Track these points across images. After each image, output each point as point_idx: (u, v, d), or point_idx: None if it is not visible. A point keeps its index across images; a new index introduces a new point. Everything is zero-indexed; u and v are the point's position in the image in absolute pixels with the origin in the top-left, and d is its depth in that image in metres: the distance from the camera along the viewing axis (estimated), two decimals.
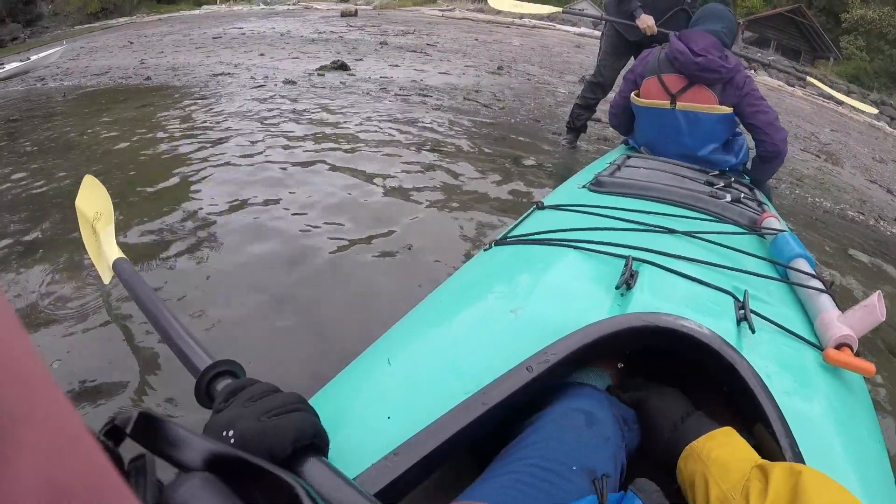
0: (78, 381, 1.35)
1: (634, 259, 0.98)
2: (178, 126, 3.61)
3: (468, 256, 2.02)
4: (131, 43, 11.15)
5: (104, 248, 1.39)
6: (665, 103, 2.03)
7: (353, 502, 0.49)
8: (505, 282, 1.02)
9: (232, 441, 0.51)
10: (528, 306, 0.87)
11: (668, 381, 1.04)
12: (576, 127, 3.73)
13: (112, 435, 0.31)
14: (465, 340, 0.83)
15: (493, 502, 0.59)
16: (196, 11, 26.07)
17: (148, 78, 6.07)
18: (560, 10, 3.44)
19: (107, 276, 1.41)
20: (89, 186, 1.68)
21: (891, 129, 17.95)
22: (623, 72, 3.11)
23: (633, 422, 0.79)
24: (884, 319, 0.91)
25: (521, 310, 0.86)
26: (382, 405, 0.72)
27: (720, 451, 0.68)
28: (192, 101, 4.42)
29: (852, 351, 0.87)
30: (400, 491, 0.62)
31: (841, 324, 0.91)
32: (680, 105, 2.01)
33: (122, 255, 1.27)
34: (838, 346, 0.88)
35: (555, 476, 0.63)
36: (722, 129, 2.02)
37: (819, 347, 0.90)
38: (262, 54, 7.93)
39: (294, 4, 27.94)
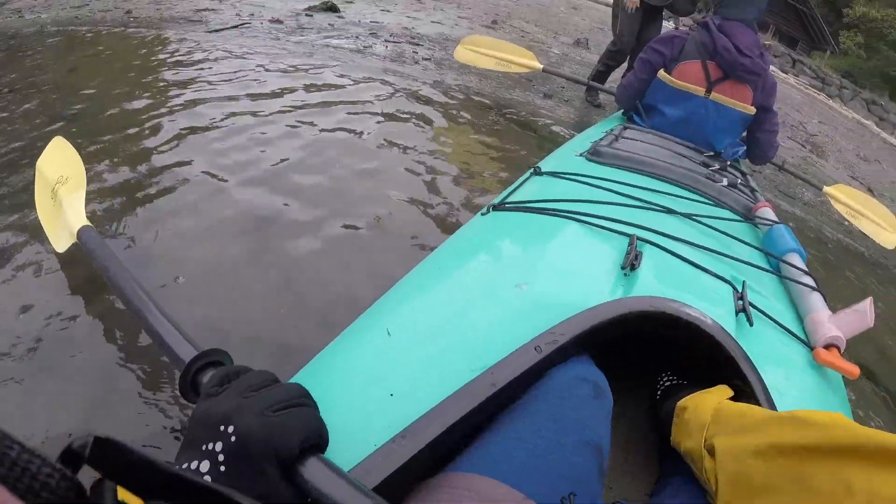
0: (29, 374, 1.15)
1: (638, 239, 0.97)
2: (153, 69, 3.44)
3: (459, 217, 2.00)
4: None
5: (67, 214, 1.28)
6: (701, 90, 2.03)
7: None
8: (508, 252, 1.01)
9: (233, 439, 0.46)
10: (534, 281, 0.86)
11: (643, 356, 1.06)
12: (596, 86, 3.76)
13: (68, 461, 0.29)
14: (471, 314, 0.80)
15: (513, 479, 0.54)
16: None
17: (128, 11, 5.74)
18: (541, 67, 3.30)
19: (62, 244, 1.29)
20: (58, 148, 1.58)
21: (878, 129, 18.17)
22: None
23: (607, 388, 0.80)
24: (871, 325, 0.93)
25: (526, 285, 0.85)
26: (384, 382, 0.67)
27: (701, 399, 0.73)
28: (172, 41, 4.21)
29: (839, 352, 0.89)
30: (409, 476, 0.57)
31: (831, 324, 0.93)
32: (714, 95, 2.01)
33: (88, 223, 1.17)
34: (827, 347, 0.90)
35: (565, 449, 0.60)
36: (741, 126, 2.07)
37: (808, 345, 0.92)
38: None
39: None
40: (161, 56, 3.69)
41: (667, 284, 0.89)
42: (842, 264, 3.06)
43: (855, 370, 0.86)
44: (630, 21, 3.62)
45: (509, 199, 1.25)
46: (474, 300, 0.84)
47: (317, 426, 0.51)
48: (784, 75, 18.37)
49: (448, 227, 1.93)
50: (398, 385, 0.66)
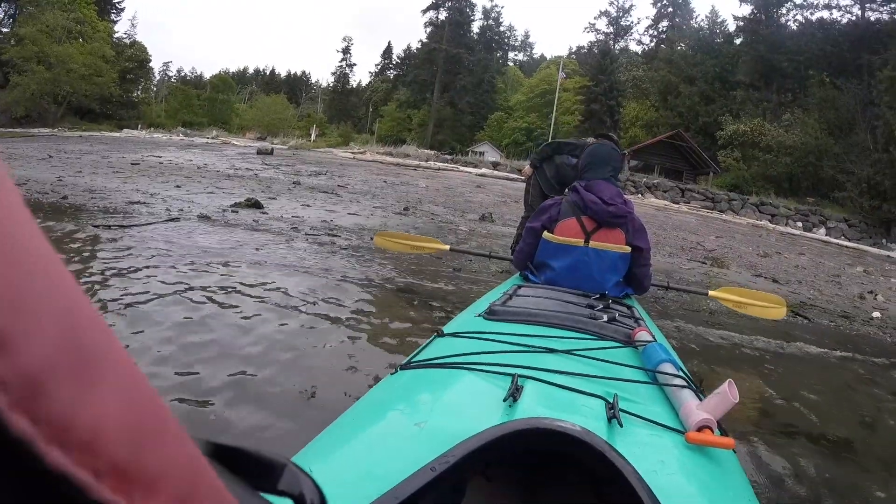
0: None
1: (520, 376, 1.12)
2: (86, 256, 3.67)
3: (377, 379, 2.28)
4: (51, 157, 11.03)
5: None
6: (580, 241, 2.32)
7: None
8: (410, 400, 1.18)
9: None
10: (430, 420, 0.99)
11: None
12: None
13: None
14: (377, 449, 0.95)
15: None
16: (117, 134, 26.20)
17: (65, 197, 6.04)
18: (447, 248, 3.86)
19: None
20: None
21: (773, 225, 20.30)
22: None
23: None
24: (736, 402, 1.03)
25: (424, 423, 0.98)
26: None
27: None
28: (106, 229, 4.50)
29: (712, 432, 1.00)
30: None
31: (700, 410, 1.04)
32: (592, 243, 2.34)
33: None
34: (700, 429, 1.00)
35: None
36: (622, 264, 2.38)
37: (683, 433, 1.02)
38: (178, 186, 8.08)
39: (213, 138, 28.68)
40: (87, 248, 3.89)
41: (544, 408, 1.02)
42: (727, 358, 3.52)
43: (729, 442, 0.98)
44: (536, 192, 4.49)
45: (414, 359, 1.43)
46: (380, 438, 1.03)
47: None
48: (676, 206, 20.43)
49: (369, 387, 2.24)
50: None
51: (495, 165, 24.15)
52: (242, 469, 0.27)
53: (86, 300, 0.17)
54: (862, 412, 2.95)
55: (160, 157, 13.44)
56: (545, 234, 2.42)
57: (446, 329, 1.69)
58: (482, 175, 20.16)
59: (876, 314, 5.94)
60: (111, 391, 0.16)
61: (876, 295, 7.32)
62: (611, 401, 1.05)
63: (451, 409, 1.10)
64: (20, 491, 0.14)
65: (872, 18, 32.17)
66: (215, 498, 0.20)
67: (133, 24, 51.38)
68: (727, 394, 1.03)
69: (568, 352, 1.37)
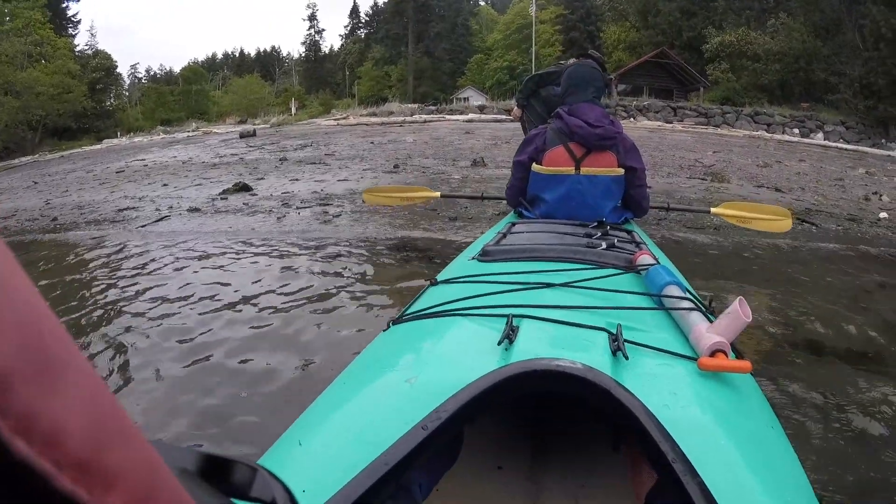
0: None
1: (514, 316, 1.06)
2: (80, 268, 3.67)
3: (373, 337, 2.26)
4: (36, 183, 10.93)
5: None
6: (570, 169, 2.23)
7: None
8: (401, 356, 1.13)
9: None
10: (421, 374, 0.96)
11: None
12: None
13: None
14: (368, 412, 0.91)
15: None
16: (98, 146, 25.69)
17: (55, 219, 6.00)
18: (439, 195, 3.70)
19: None
20: None
21: (769, 134, 20.04)
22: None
23: None
24: (749, 321, 0.97)
25: (414, 378, 0.94)
26: (295, 485, 0.80)
27: None
28: (97, 243, 4.48)
29: (726, 355, 0.95)
30: None
31: (711, 333, 0.98)
32: (584, 170, 2.25)
33: None
34: (713, 354, 0.95)
35: None
36: (617, 188, 2.30)
37: (695, 359, 0.97)
38: (165, 185, 8.02)
39: (193, 131, 28.20)
40: (88, 260, 3.90)
41: (543, 347, 0.98)
42: (736, 274, 3.49)
43: (745, 365, 0.93)
44: (533, 128, 4.33)
45: (407, 312, 1.38)
46: (371, 400, 0.99)
47: None
48: (670, 125, 20.07)
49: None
50: (308, 484, 0.75)
51: (482, 109, 23.60)
52: (214, 475, 0.28)
53: (50, 314, 0.18)
54: (879, 318, 2.85)
55: (144, 159, 13.25)
56: (534, 165, 2.34)
57: (440, 277, 1.63)
58: (469, 121, 19.79)
59: (883, 214, 5.87)
60: (72, 394, 0.18)
61: (881, 195, 7.23)
62: (614, 332, 0.99)
63: (443, 360, 1.06)
64: None
65: None
66: (173, 498, 0.22)
67: (92, 34, 49.18)
68: (738, 313, 0.97)
69: (566, 285, 1.31)
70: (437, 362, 1.04)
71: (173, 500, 0.22)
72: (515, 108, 4.53)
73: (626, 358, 0.92)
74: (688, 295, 1.23)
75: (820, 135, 21.41)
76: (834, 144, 19.37)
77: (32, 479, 0.16)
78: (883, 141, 20.92)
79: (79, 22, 43.86)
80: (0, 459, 0.15)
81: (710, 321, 1.07)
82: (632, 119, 21.29)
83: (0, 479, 0.15)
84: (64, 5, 41.56)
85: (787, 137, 19.95)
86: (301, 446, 0.86)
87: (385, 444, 0.77)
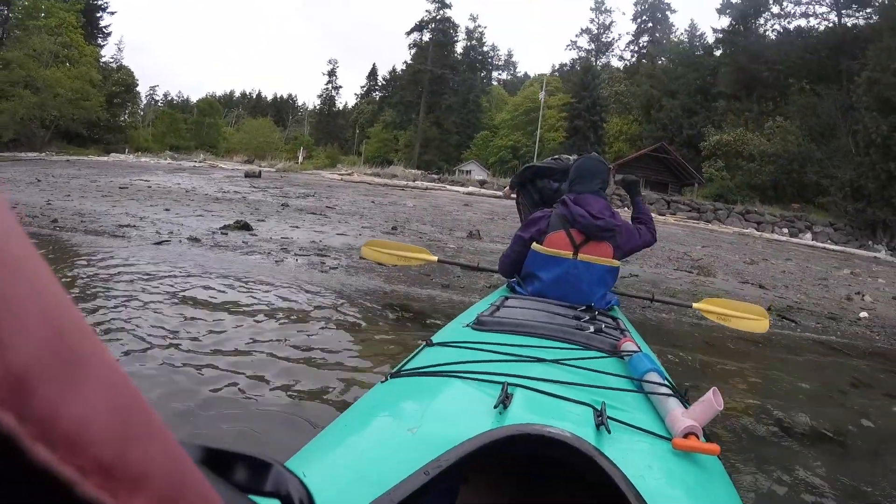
0: None
1: (509, 384, 1.13)
2: (78, 279, 3.67)
3: (368, 389, 2.31)
4: (39, 181, 10.97)
5: None
6: (569, 253, 2.35)
7: None
8: (401, 407, 1.20)
9: None
10: (422, 425, 1.01)
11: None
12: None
13: None
14: (370, 454, 0.97)
15: None
16: (104, 158, 26.15)
17: (55, 220, 6.04)
18: (436, 259, 4.04)
19: None
20: None
21: (759, 233, 20.48)
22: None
23: None
24: (721, 409, 1.05)
25: (416, 428, 1.00)
26: None
27: None
28: (97, 251, 4.52)
29: (698, 438, 1.03)
30: None
31: (685, 417, 1.07)
32: (581, 256, 2.34)
33: None
34: (686, 436, 1.03)
35: None
36: (611, 277, 2.43)
37: (670, 439, 1.05)
38: (167, 209, 8.08)
39: (200, 162, 28.67)
40: (84, 268, 3.89)
41: (534, 415, 1.04)
42: (712, 364, 3.54)
43: (714, 448, 1.00)
44: (527, 211, 4.51)
45: (404, 368, 1.45)
46: (374, 443, 1.02)
47: None
48: (663, 217, 20.57)
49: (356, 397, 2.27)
50: None
51: (482, 184, 24.35)
52: (229, 471, 0.27)
53: (72, 305, 0.17)
54: (849, 413, 2.94)
55: (148, 180, 13.40)
56: (534, 245, 2.45)
57: (435, 339, 1.71)
58: (469, 193, 20.34)
59: (863, 314, 5.99)
60: (96, 391, 0.17)
61: (863, 295, 7.37)
62: (599, 408, 1.07)
63: (443, 415, 1.12)
64: (7, 487, 0.14)
65: (849, 24, 32.77)
66: (200, 498, 0.21)
67: (119, 49, 51.90)
68: (712, 401, 1.06)
69: (556, 361, 1.40)
70: (436, 416, 1.10)
71: (201, 499, 0.21)
72: (508, 188, 4.73)
73: (609, 432, 1.01)
74: (666, 382, 1.33)
75: (808, 235, 21.98)
76: (821, 245, 19.84)
77: (55, 488, 0.15)
78: (870, 242, 21.47)
79: (109, 34, 45.23)
80: (21, 469, 0.14)
81: (686, 407, 1.15)
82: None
83: (21, 489, 0.14)
84: (98, 15, 42.87)
85: (775, 236, 20.47)
86: (305, 477, 0.93)
87: (387, 484, 0.82)
